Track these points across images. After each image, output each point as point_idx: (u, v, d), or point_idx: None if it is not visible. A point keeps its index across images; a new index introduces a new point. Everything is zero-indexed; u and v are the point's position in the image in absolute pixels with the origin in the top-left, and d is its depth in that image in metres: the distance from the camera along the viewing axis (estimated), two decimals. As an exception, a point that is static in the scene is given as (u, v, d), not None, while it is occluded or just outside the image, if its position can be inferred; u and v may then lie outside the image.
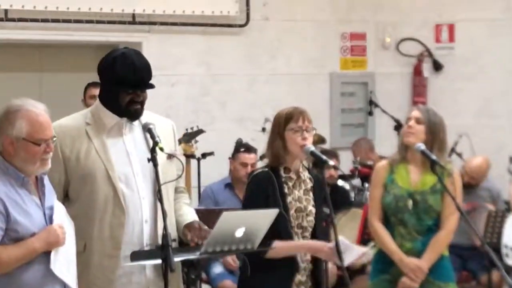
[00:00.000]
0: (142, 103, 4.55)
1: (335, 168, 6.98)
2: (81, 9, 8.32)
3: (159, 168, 4.41)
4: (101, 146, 4.48)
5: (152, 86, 4.57)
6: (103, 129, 4.52)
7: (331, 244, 4.66)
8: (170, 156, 4.54)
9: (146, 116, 4.59)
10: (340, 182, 8.03)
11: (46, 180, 4.12)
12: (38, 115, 3.97)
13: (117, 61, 4.51)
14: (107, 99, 4.55)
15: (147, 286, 4.48)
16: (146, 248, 4.44)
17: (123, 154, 4.51)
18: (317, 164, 4.79)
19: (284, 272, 4.76)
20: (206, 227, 4.55)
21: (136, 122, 4.56)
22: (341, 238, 4.68)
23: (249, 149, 7.52)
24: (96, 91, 8.35)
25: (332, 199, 4.78)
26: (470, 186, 7.51)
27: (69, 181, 4.45)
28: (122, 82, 4.48)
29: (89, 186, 4.43)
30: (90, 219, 4.40)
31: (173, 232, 4.56)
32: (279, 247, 4.66)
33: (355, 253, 4.87)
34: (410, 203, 5.41)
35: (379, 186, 5.51)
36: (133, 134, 4.55)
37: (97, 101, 4.63)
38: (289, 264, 4.76)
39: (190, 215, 4.66)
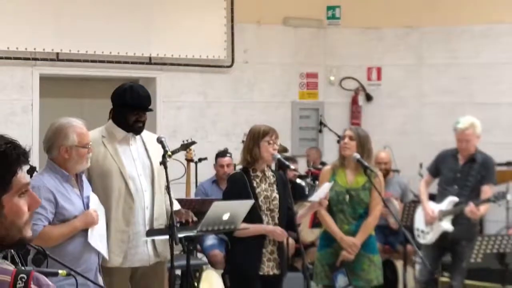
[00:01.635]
0: (143, 122, 4.56)
1: (295, 170, 7.00)
2: (111, 53, 8.29)
3: (155, 170, 4.43)
4: (114, 152, 4.48)
5: (151, 110, 4.59)
6: (115, 140, 4.52)
7: (280, 228, 4.67)
8: (161, 163, 4.48)
9: (145, 133, 4.61)
10: (298, 180, 8.01)
11: (84, 177, 4.11)
12: (82, 128, 4.01)
13: (126, 92, 4.54)
14: (118, 118, 4.56)
15: (147, 255, 4.47)
16: (158, 227, 4.43)
17: (130, 159, 4.51)
18: (281, 166, 4.81)
19: (258, 243, 4.75)
20: (189, 211, 4.58)
21: (138, 136, 4.57)
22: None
23: (224, 154, 7.55)
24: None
25: (292, 193, 4.81)
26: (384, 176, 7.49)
27: (91, 178, 4.42)
28: (129, 106, 4.48)
29: (107, 180, 4.42)
30: (108, 205, 4.39)
31: (163, 217, 4.56)
32: (244, 229, 4.65)
33: (321, 191, 4.92)
34: (347, 197, 5.42)
35: (325, 184, 5.52)
36: (137, 145, 4.56)
37: (110, 121, 4.62)
38: (261, 237, 4.76)
39: (175, 207, 4.65)
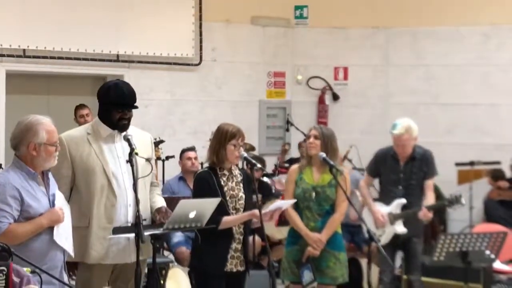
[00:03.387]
0: (129, 120, 4.53)
1: (261, 169, 7.02)
2: (79, 50, 8.26)
3: (139, 168, 4.41)
4: (98, 149, 4.45)
5: (136, 107, 4.56)
6: (100, 138, 4.50)
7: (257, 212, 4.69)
8: (148, 160, 4.53)
9: (132, 130, 4.58)
10: (265, 179, 8.04)
11: (50, 175, 4.09)
12: (51, 126, 3.99)
13: (111, 89, 4.51)
14: (103, 116, 4.53)
15: (129, 252, 4.45)
16: (124, 225, 4.41)
17: (114, 156, 4.49)
18: (249, 165, 4.82)
19: (224, 241, 4.77)
20: (169, 211, 4.54)
21: (123, 133, 4.54)
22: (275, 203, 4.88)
23: (190, 148, 7.56)
24: (83, 111, 8.38)
25: (258, 190, 4.83)
26: None
27: (75, 175, 4.41)
28: (114, 104, 4.46)
29: (90, 178, 4.40)
30: (91, 202, 4.38)
31: (147, 214, 4.54)
32: (228, 221, 4.68)
33: (279, 204, 4.96)
34: (313, 194, 5.45)
35: (292, 183, 5.54)
36: (122, 142, 4.52)
37: (96, 118, 4.60)
38: (228, 235, 4.77)
39: (159, 202, 4.66)
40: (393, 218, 6.11)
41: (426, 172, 6.14)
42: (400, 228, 6.10)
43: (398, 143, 6.12)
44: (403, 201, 6.09)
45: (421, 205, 6.05)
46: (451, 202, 6.02)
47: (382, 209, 6.16)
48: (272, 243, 7.12)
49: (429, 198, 6.09)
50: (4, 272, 1.83)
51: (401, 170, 6.14)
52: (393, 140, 6.17)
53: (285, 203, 5.11)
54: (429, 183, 6.15)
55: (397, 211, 6.11)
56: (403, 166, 6.14)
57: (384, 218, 6.10)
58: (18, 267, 1.86)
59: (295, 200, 5.35)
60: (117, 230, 4.29)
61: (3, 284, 1.82)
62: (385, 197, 6.23)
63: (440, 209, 7.69)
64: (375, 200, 6.35)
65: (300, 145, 8.92)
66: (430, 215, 6.03)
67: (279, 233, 7.16)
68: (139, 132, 4.67)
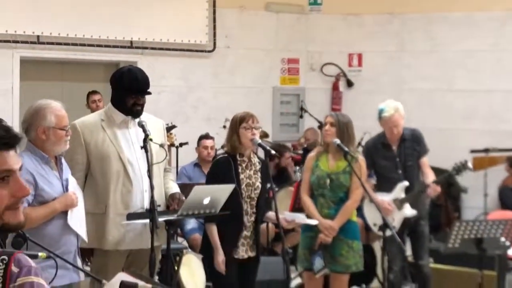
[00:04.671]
0: (142, 106, 4.53)
1: (276, 156, 6.99)
2: (92, 36, 8.25)
3: (154, 154, 4.41)
4: (113, 136, 4.45)
5: (149, 93, 4.55)
6: (114, 124, 4.49)
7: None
8: (162, 146, 4.53)
9: (145, 116, 4.57)
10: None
11: (63, 160, 4.09)
12: (60, 110, 3.99)
13: (124, 75, 4.50)
14: (117, 102, 4.52)
15: (145, 238, 4.44)
16: (138, 211, 4.41)
17: (129, 142, 4.49)
18: (266, 152, 4.80)
19: (234, 228, 4.76)
20: (183, 197, 4.54)
21: (137, 119, 4.53)
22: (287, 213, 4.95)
23: (207, 136, 7.56)
24: (94, 97, 8.40)
25: (279, 178, 4.84)
26: None
27: (90, 162, 4.42)
28: (128, 90, 4.45)
29: (106, 164, 4.40)
30: (107, 188, 4.39)
31: (161, 200, 4.54)
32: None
33: (300, 219, 5.01)
34: (328, 181, 5.43)
35: (308, 170, 5.53)
36: (135, 128, 4.52)
37: (109, 104, 4.60)
38: (238, 222, 4.76)
39: (173, 188, 4.66)
40: (399, 203, 6.06)
41: (419, 151, 6.14)
42: (409, 211, 6.05)
43: (391, 124, 6.10)
44: (406, 183, 6.05)
45: (423, 184, 6.02)
46: (459, 170, 5.97)
47: (385, 198, 6.06)
48: (285, 230, 7.11)
49: (430, 175, 6.08)
50: (5, 262, 1.80)
51: (396, 155, 6.11)
52: (385, 124, 6.15)
53: (303, 220, 5.12)
54: (424, 161, 6.15)
55: (401, 195, 6.07)
56: (396, 150, 6.13)
57: (391, 206, 6.03)
58: (22, 256, 1.83)
59: (316, 222, 5.30)
60: (131, 216, 4.30)
61: (1, 273, 1.79)
62: (385, 186, 6.16)
63: (449, 181, 7.59)
64: (374, 191, 6.30)
65: (305, 134, 8.90)
66: (438, 189, 6.00)
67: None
68: (152, 118, 4.66)
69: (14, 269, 1.80)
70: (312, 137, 8.83)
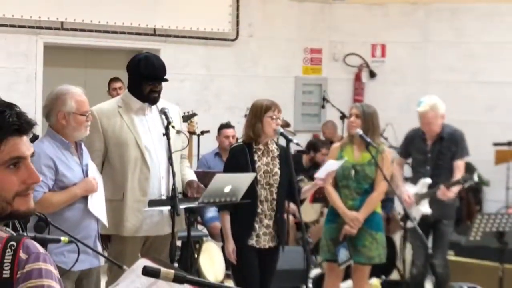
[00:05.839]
0: (159, 92, 4.52)
1: (298, 144, 6.95)
2: (116, 23, 8.26)
3: (171, 140, 4.40)
4: (130, 122, 4.45)
5: (166, 80, 4.53)
6: (131, 110, 4.49)
7: None
8: (178, 132, 4.52)
9: (162, 102, 4.56)
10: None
11: (83, 145, 4.11)
12: (81, 96, 3.99)
13: (141, 62, 4.48)
14: (134, 89, 4.51)
15: (163, 224, 4.45)
16: (159, 198, 4.42)
17: (146, 129, 4.48)
18: (286, 141, 4.77)
19: (248, 216, 4.72)
20: (201, 185, 4.54)
21: (154, 106, 4.53)
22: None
23: (229, 125, 7.55)
24: (116, 84, 8.41)
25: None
26: None
27: (107, 148, 4.42)
28: (144, 77, 4.44)
29: (123, 151, 4.40)
30: (125, 175, 4.39)
31: (179, 187, 4.54)
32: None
33: (325, 168, 4.99)
34: (353, 172, 5.40)
35: (333, 161, 5.50)
36: (152, 115, 4.52)
37: (126, 91, 4.60)
38: (253, 210, 4.72)
39: (190, 176, 4.65)
40: (418, 198, 5.99)
41: (454, 152, 5.95)
42: (424, 208, 5.92)
43: (424, 120, 5.98)
44: (428, 180, 5.93)
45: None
46: (465, 180, 5.88)
47: (410, 190, 6.01)
48: (306, 224, 7.09)
49: (454, 178, 5.91)
50: (13, 247, 1.78)
51: (429, 150, 5.99)
52: (419, 118, 6.04)
53: (336, 164, 5.07)
54: (458, 164, 5.95)
55: (422, 191, 5.99)
56: (430, 146, 6.01)
57: (410, 199, 5.97)
58: (30, 242, 1.81)
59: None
60: (152, 203, 4.30)
61: (10, 260, 1.77)
62: (415, 178, 6.11)
63: (474, 188, 7.54)
64: (406, 180, 6.26)
65: (323, 128, 8.86)
66: (449, 194, 5.83)
67: (312, 210, 7.14)
68: (169, 105, 4.66)
69: (23, 255, 1.77)
70: (330, 131, 8.78)
